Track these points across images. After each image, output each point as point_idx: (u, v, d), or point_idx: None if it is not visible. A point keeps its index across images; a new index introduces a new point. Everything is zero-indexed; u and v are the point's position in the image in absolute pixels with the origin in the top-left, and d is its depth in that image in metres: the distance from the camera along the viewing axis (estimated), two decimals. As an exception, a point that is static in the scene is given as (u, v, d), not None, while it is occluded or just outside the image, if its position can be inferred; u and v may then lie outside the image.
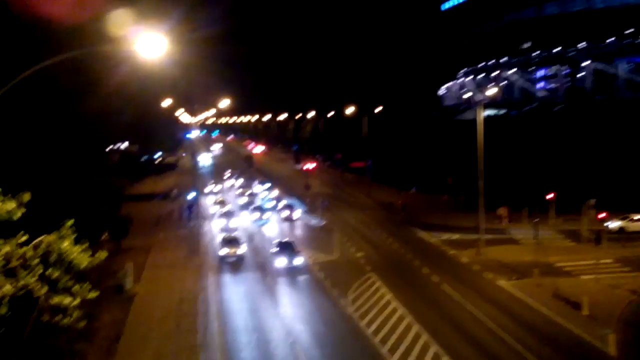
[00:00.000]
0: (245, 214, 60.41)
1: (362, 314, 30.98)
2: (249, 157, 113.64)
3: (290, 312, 31.73)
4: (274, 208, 60.76)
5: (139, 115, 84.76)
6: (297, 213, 58.59)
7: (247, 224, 55.59)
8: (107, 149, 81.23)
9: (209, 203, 67.94)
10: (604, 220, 43.01)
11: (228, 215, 56.21)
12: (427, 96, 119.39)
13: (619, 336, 26.12)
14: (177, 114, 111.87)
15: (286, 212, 57.79)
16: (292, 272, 38.89)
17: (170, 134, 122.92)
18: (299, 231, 51.42)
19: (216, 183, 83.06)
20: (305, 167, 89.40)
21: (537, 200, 52.60)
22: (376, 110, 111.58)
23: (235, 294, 35.04)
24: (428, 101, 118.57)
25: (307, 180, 77.15)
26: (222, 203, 62.36)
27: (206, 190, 77.41)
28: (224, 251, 42.48)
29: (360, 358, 25.87)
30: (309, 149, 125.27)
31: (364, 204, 67.81)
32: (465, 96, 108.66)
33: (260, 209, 57.36)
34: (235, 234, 46.10)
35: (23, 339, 26.06)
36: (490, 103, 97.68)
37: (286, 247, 41.05)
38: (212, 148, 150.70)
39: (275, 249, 41.39)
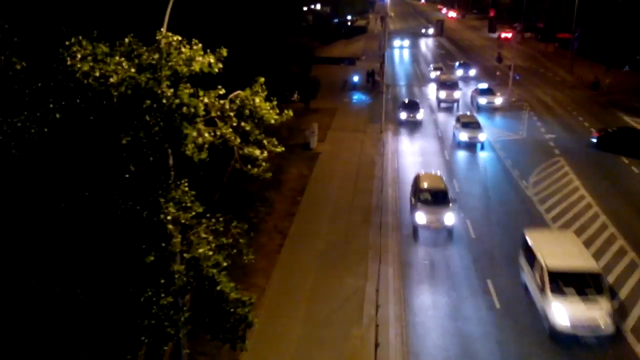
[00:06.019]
0: (433, 86, 57.05)
1: (542, 198, 29.60)
2: (440, 23, 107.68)
3: (464, 188, 31.41)
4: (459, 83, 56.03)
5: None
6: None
7: (433, 98, 53.37)
8: (303, 9, 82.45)
9: (396, 70, 67.18)
10: None
11: (414, 89, 55.40)
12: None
13: None
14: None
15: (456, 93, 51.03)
16: (471, 147, 37.78)
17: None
18: (483, 109, 48.43)
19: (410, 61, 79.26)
20: (500, 36, 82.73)
21: None
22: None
23: (411, 164, 35.40)
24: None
25: (500, 51, 71.88)
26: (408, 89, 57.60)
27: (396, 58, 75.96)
28: (403, 115, 43.76)
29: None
30: (508, 16, 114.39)
31: (564, 80, 61.54)
32: None
33: (449, 85, 51.12)
34: (415, 99, 46.35)
35: (223, 182, 29.83)
36: None
37: (469, 124, 38.32)
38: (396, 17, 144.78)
39: (456, 125, 39.19)
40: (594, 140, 37.56)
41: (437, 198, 25.71)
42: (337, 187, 31.51)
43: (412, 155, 36.88)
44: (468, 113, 43.99)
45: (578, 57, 67.85)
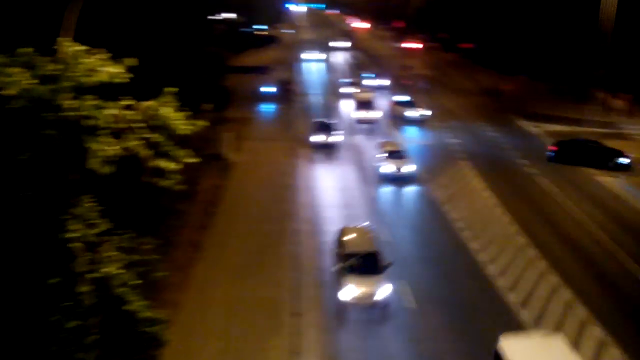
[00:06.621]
0: (347, 101, 54.61)
1: (448, 198, 31.02)
2: (350, 34, 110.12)
3: (377, 194, 32.25)
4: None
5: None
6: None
7: (348, 113, 50.40)
8: (212, 18, 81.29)
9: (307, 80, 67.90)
10: None
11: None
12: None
13: None
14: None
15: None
16: (398, 180, 33.62)
17: (271, 5, 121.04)
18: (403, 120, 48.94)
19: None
20: (404, 47, 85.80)
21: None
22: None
23: (325, 172, 35.82)
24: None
25: (405, 61, 74.61)
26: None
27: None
28: (316, 137, 39.42)
29: (441, 242, 26.32)
30: (415, 27, 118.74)
31: (466, 88, 64.86)
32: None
33: (367, 104, 48.63)
34: (329, 119, 42.16)
35: (130, 196, 28.75)
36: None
37: (395, 154, 34.51)
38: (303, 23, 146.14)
39: (379, 153, 35.15)
40: (551, 154, 37.60)
41: (368, 264, 20.60)
42: (253, 198, 31.33)
43: (323, 165, 37.31)
44: (391, 140, 39.67)
45: (479, 66, 71.91)
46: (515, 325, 19.85)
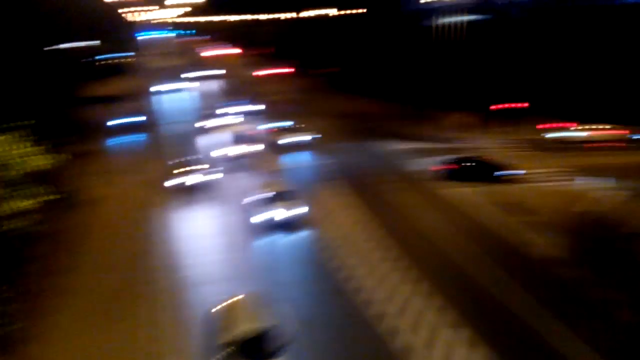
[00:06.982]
0: (216, 136, 51.62)
1: (322, 219, 31.67)
2: (215, 61, 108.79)
3: (251, 228, 31.98)
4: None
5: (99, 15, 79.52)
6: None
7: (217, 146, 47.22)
8: (54, 48, 76.19)
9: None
10: (552, 129, 45.60)
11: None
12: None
13: (556, 241, 27.50)
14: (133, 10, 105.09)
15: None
16: (285, 226, 30.06)
17: (123, 34, 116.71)
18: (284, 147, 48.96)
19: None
20: (274, 72, 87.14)
21: (489, 110, 53.07)
22: (357, 11, 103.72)
23: (188, 209, 34.78)
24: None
25: (274, 87, 75.58)
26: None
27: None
28: (171, 182, 35.56)
29: (317, 264, 26.73)
30: (284, 53, 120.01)
31: (331, 111, 66.72)
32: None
33: (245, 139, 46.39)
34: (189, 157, 39.05)
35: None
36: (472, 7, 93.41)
37: (282, 195, 30.98)
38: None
39: (261, 196, 31.17)
40: (448, 172, 39.03)
41: (259, 348, 16.76)
42: (115, 235, 29.53)
43: (186, 200, 35.76)
44: (274, 179, 36.05)
45: (342, 90, 75.19)
46: (383, 335, 20.67)
